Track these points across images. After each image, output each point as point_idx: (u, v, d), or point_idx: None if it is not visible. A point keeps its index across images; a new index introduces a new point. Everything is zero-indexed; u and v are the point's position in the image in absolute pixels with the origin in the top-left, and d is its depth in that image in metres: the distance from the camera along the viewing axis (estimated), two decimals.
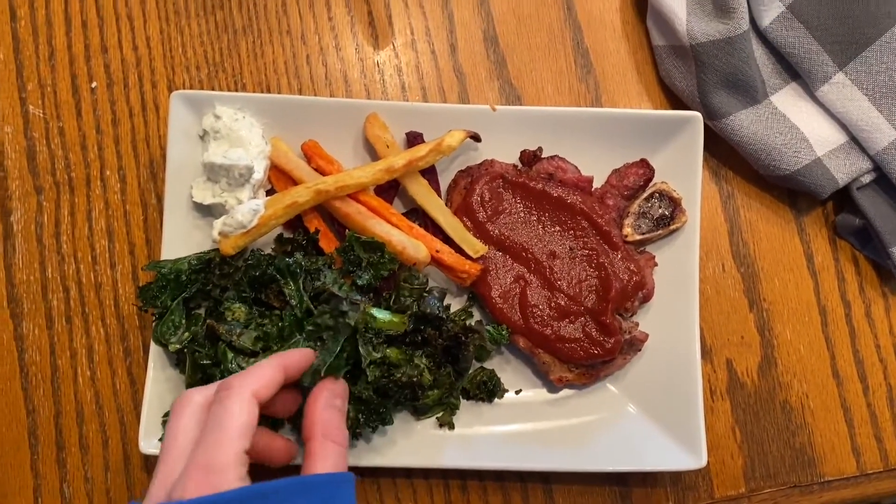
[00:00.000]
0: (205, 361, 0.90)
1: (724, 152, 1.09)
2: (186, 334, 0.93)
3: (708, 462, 1.01)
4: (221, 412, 0.69)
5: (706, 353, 1.05)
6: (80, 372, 1.02)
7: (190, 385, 0.91)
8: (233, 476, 0.66)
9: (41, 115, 1.06)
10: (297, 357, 0.80)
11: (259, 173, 0.97)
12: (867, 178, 1.04)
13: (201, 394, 0.74)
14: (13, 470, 1.00)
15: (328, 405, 0.77)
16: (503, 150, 1.03)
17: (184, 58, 1.08)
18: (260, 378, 0.73)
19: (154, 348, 0.95)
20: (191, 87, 1.07)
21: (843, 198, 1.07)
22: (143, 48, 1.07)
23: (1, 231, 1.04)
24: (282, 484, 0.66)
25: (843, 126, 1.04)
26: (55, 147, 1.05)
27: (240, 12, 1.09)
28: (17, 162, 1.05)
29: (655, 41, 1.08)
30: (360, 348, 0.91)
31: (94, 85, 1.06)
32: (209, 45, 1.08)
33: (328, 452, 0.74)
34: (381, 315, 0.93)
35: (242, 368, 0.89)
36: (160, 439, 0.92)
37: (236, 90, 1.07)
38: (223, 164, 0.95)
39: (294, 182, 0.99)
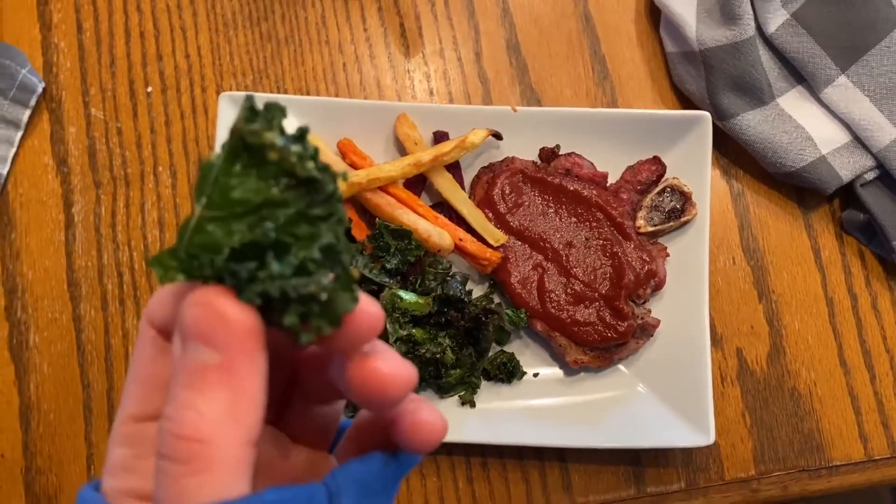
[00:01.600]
0: None
1: (734, 152, 1.15)
2: None
3: (718, 445, 1.06)
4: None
5: (717, 341, 1.11)
6: (130, 350, 1.10)
7: None
8: None
9: (102, 116, 1.16)
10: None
11: None
12: (871, 175, 1.09)
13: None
14: (69, 440, 1.09)
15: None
16: (523, 148, 1.10)
17: (231, 65, 1.17)
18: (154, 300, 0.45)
19: None
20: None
21: (849, 195, 1.13)
22: (194, 56, 1.17)
23: (63, 221, 1.14)
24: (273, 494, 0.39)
25: (847, 126, 1.10)
26: (113, 146, 1.15)
27: (283, 24, 1.19)
28: (80, 159, 1.15)
29: (668, 48, 1.16)
30: (388, 326, 0.99)
31: (149, 90, 1.17)
32: (254, 53, 1.18)
33: None
34: (408, 296, 1.00)
35: None
36: None
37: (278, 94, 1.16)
38: None
39: None
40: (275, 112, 0.39)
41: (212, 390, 0.37)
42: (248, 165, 0.39)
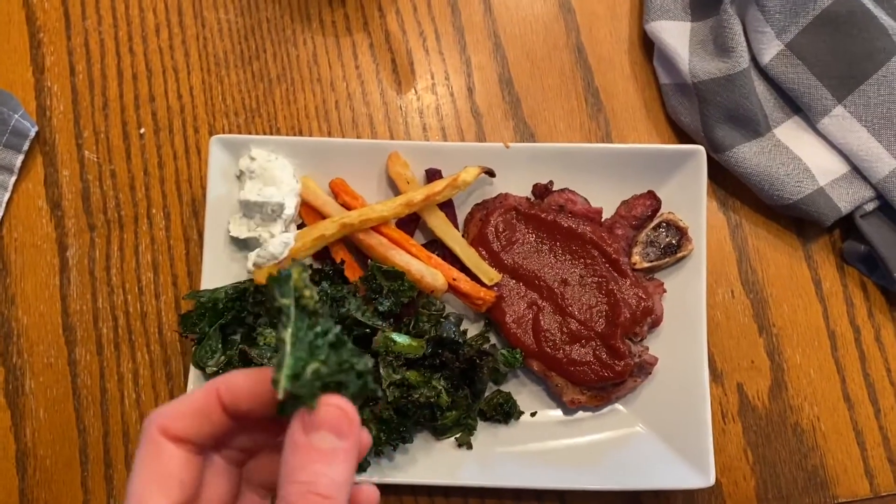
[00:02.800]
0: None
1: (731, 183, 1.14)
2: (223, 358, 1.01)
3: (721, 483, 1.05)
4: (137, 462, 0.55)
5: (717, 376, 1.09)
6: (127, 394, 1.10)
7: None
8: None
9: (95, 159, 1.16)
10: (238, 379, 0.58)
11: (290, 209, 1.05)
12: (870, 206, 1.08)
13: None
14: (65, 486, 1.08)
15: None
16: (517, 185, 1.09)
17: (223, 105, 1.17)
18: (175, 408, 0.57)
19: (193, 371, 1.03)
20: (229, 132, 1.16)
21: (849, 225, 1.11)
22: (186, 97, 1.17)
23: (58, 265, 1.14)
24: None
25: (845, 156, 1.08)
26: (107, 188, 1.15)
27: (275, 63, 1.18)
28: (74, 202, 1.15)
29: (662, 80, 1.15)
30: (381, 370, 0.98)
31: (142, 131, 1.17)
32: (246, 93, 1.18)
33: None
34: (401, 339, 0.99)
35: None
36: None
37: (271, 134, 1.16)
38: (257, 201, 1.04)
39: (322, 217, 1.07)
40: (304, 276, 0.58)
41: (340, 464, 0.54)
42: (312, 317, 0.57)
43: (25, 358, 1.11)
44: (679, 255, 1.05)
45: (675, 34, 1.11)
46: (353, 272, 1.06)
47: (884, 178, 1.05)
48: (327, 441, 0.54)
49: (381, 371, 0.98)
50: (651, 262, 1.06)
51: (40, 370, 1.11)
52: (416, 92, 1.18)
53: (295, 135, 1.16)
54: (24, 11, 1.20)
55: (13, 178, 1.15)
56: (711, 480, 0.98)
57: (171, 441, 0.56)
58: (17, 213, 1.15)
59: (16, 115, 1.13)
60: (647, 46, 1.18)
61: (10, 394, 1.10)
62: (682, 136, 1.15)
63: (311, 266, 1.07)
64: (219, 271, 1.06)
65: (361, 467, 1.01)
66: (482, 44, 1.19)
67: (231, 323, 1.04)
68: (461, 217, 1.10)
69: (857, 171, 1.08)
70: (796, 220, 1.13)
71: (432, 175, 1.08)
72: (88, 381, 1.11)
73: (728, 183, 1.14)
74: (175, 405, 0.57)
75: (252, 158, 1.07)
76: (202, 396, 0.58)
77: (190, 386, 1.02)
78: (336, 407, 0.54)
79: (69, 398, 1.10)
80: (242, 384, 0.58)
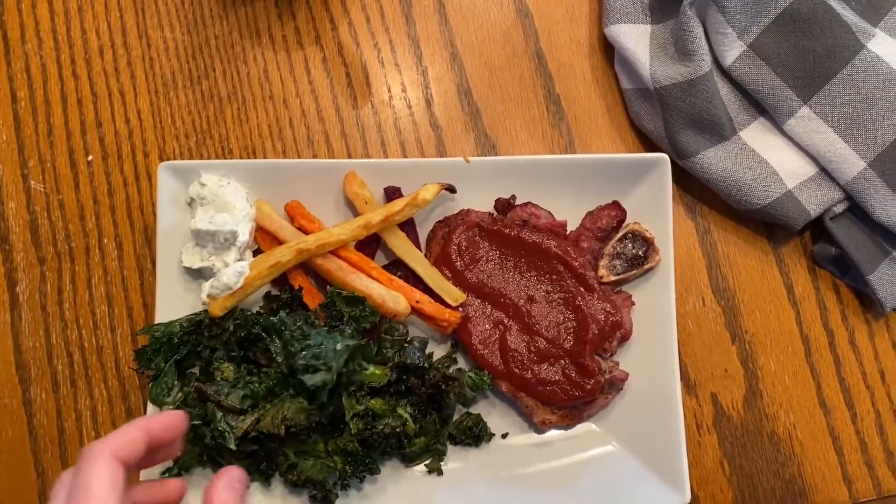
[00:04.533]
0: (196, 422, 0.94)
1: (698, 189, 1.11)
2: (179, 394, 0.97)
3: (698, 497, 1.03)
4: (82, 478, 0.68)
5: (690, 387, 1.07)
6: (86, 433, 1.07)
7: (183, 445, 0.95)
8: None
9: (42, 189, 1.12)
10: (163, 419, 0.76)
11: (244, 236, 1.02)
12: (840, 208, 1.05)
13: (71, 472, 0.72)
14: None
15: (229, 486, 0.74)
16: (479, 200, 1.06)
17: (173, 127, 1.13)
18: (120, 438, 0.71)
19: (151, 408, 0.99)
20: (180, 155, 1.12)
21: (820, 228, 1.09)
22: (134, 120, 1.13)
23: (7, 301, 1.09)
24: None
25: (813, 158, 1.06)
26: (55, 219, 1.11)
27: (224, 81, 1.14)
28: (21, 235, 1.11)
29: (624, 84, 1.11)
30: (344, 401, 0.95)
31: (90, 158, 1.12)
32: (196, 114, 1.13)
33: None
34: (365, 368, 0.96)
35: (231, 427, 0.93)
36: None
37: (224, 155, 1.12)
38: (209, 229, 1.00)
39: (279, 241, 1.04)
40: None
41: None
42: None
43: None
44: (646, 266, 1.03)
45: (635, 38, 1.08)
46: (312, 299, 1.02)
47: (852, 179, 1.03)
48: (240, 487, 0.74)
49: (343, 401, 0.95)
50: (618, 274, 1.03)
51: None
52: (372, 106, 1.14)
53: (249, 156, 1.13)
54: None
55: None
56: (687, 498, 0.96)
57: (121, 463, 0.69)
58: None
59: None
60: (608, 51, 1.15)
61: None
62: (647, 142, 1.12)
63: (269, 293, 1.04)
64: (174, 303, 1.03)
65: (329, 500, 0.98)
66: (439, 54, 1.15)
67: (187, 357, 1.00)
68: (423, 235, 1.07)
69: (826, 172, 1.06)
70: (766, 224, 1.10)
71: (391, 194, 1.05)
72: (45, 421, 1.07)
73: (695, 188, 1.11)
74: (120, 435, 0.71)
75: (202, 185, 1.03)
76: (137, 432, 0.72)
77: None
78: (242, 471, 0.75)
79: (25, 440, 1.07)
80: (165, 424, 0.75)
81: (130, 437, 0.72)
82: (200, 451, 0.97)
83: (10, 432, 1.07)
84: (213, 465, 0.97)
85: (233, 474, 0.75)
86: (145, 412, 1.05)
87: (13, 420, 1.07)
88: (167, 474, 0.97)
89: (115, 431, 0.73)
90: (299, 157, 1.12)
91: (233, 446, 0.93)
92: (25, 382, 1.08)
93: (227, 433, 0.92)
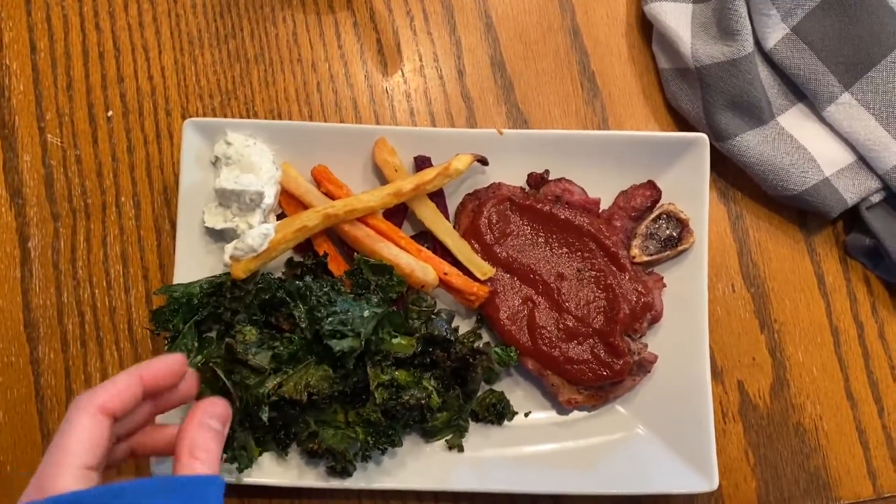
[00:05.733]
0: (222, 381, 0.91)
1: (732, 173, 1.09)
2: (199, 357, 0.94)
3: (721, 485, 1.01)
4: (63, 429, 0.67)
5: (717, 374, 1.05)
6: None
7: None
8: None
9: (59, 143, 1.08)
10: (159, 365, 0.74)
11: (269, 198, 0.99)
12: (876, 198, 1.04)
13: None
14: None
15: (201, 424, 0.71)
16: (511, 174, 1.04)
17: (197, 86, 1.10)
18: (109, 390, 0.69)
19: None
20: (204, 115, 1.09)
21: (853, 217, 1.07)
22: (157, 78, 1.10)
23: (19, 256, 1.06)
24: (140, 483, 0.66)
25: (851, 146, 1.04)
26: (72, 175, 1.08)
27: (252, 42, 1.11)
28: (35, 189, 1.07)
29: (661, 64, 1.09)
30: (369, 370, 0.92)
31: (109, 114, 1.09)
32: (222, 73, 1.10)
33: (194, 471, 0.69)
34: (391, 337, 0.93)
35: (262, 386, 0.90)
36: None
37: (248, 118, 1.09)
38: (234, 189, 0.97)
39: (304, 206, 1.01)
40: None
41: (220, 441, 0.71)
42: None
43: None
44: (680, 248, 1.01)
45: (676, 16, 1.06)
46: (337, 266, 1.00)
47: (891, 168, 1.01)
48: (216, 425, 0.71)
49: (368, 371, 0.92)
50: (651, 255, 1.01)
51: (1, 369, 1.03)
52: (402, 74, 1.12)
53: (274, 118, 1.09)
54: None
55: None
56: (715, 484, 0.94)
57: (107, 416, 0.68)
58: None
59: None
60: (646, 29, 1.12)
61: None
62: (682, 123, 1.10)
63: (291, 259, 1.01)
64: (193, 264, 1.00)
65: (347, 472, 0.95)
66: (473, 24, 1.13)
67: (206, 319, 0.97)
68: (452, 207, 1.04)
69: (864, 161, 1.04)
70: (799, 211, 1.09)
71: (421, 163, 1.02)
72: (53, 381, 1.04)
73: (728, 173, 1.09)
74: (110, 387, 0.69)
75: (228, 143, 1.00)
76: (130, 380, 0.71)
77: None
78: (223, 404, 0.73)
79: (32, 399, 1.03)
80: (162, 370, 0.73)
81: (120, 386, 0.70)
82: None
83: (15, 391, 1.03)
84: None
85: (210, 410, 0.72)
86: None
87: (19, 378, 1.04)
88: None
89: (106, 381, 0.71)
90: (326, 122, 1.09)
91: (265, 418, 0.90)
92: (33, 341, 1.05)
93: (263, 402, 0.89)
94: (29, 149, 1.08)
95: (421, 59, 1.12)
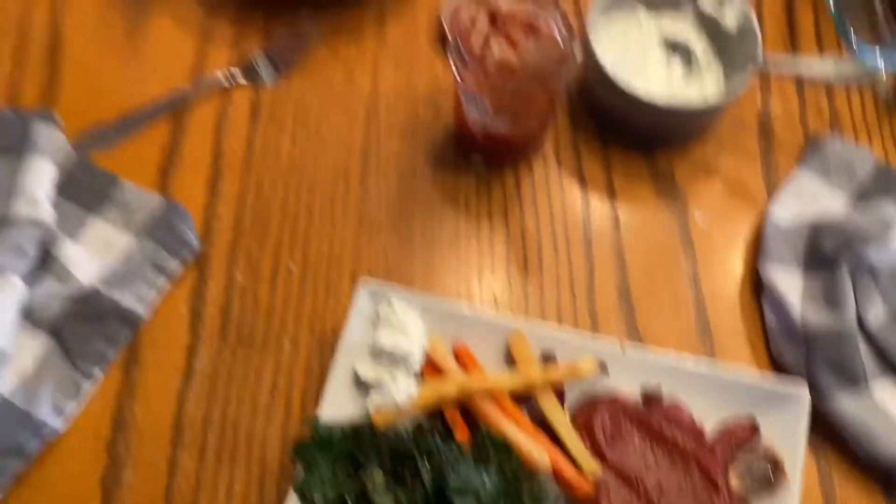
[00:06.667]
0: None
1: (823, 430, 1.19)
2: (331, 493, 1.03)
3: None
4: None
5: None
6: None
7: None
8: None
9: (243, 282, 1.27)
10: None
11: (416, 362, 1.13)
12: None
13: None
14: None
15: None
16: (625, 386, 1.16)
17: (368, 259, 1.29)
18: None
19: (292, 496, 1.05)
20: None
21: None
22: (338, 247, 1.30)
23: (183, 369, 1.21)
24: None
25: None
26: (247, 310, 1.25)
27: (421, 234, 1.32)
28: (213, 315, 1.24)
29: (770, 323, 1.24)
30: None
31: (292, 266, 1.28)
32: (392, 252, 1.30)
33: None
34: None
35: None
36: None
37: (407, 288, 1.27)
38: (389, 348, 1.12)
39: (439, 373, 1.14)
40: None
41: None
42: None
43: (130, 451, 1.15)
44: (774, 486, 1.09)
45: (787, 281, 1.23)
46: (461, 433, 1.11)
47: None
48: None
49: None
50: (746, 488, 1.09)
51: (142, 465, 1.14)
52: (540, 284, 1.29)
53: (426, 292, 1.26)
54: (212, 147, 1.37)
55: (166, 282, 1.25)
56: None
57: None
58: (160, 314, 1.24)
59: (187, 231, 1.26)
60: (757, 289, 1.29)
61: (106, 482, 1.13)
62: (782, 375, 1.22)
63: (422, 421, 1.13)
64: (336, 408, 1.12)
65: None
66: (607, 255, 1.32)
67: (340, 458, 1.08)
68: (568, 403, 1.16)
69: None
70: (883, 476, 1.16)
71: (547, 357, 1.16)
72: (183, 486, 1.14)
73: (821, 429, 1.19)
74: None
75: (390, 307, 1.16)
76: None
77: None
78: None
79: (161, 498, 1.13)
80: None
81: None
82: None
83: (149, 488, 1.13)
84: None
85: None
86: (279, 501, 1.11)
87: (156, 476, 1.14)
88: None
89: None
90: (474, 310, 1.26)
91: None
92: (175, 445, 1.16)
93: None
94: (217, 280, 1.27)
95: (558, 275, 1.30)
